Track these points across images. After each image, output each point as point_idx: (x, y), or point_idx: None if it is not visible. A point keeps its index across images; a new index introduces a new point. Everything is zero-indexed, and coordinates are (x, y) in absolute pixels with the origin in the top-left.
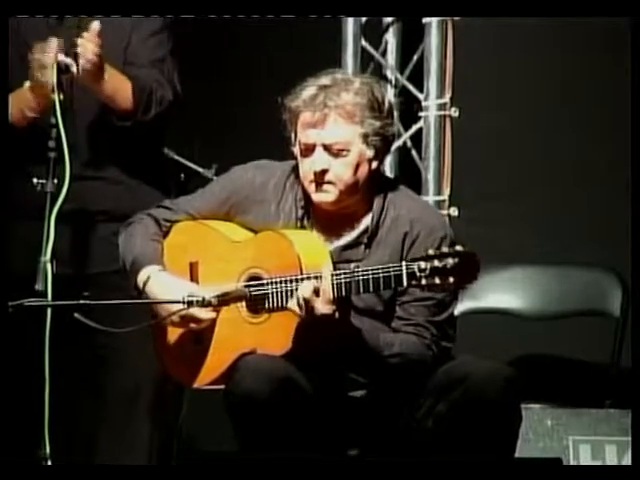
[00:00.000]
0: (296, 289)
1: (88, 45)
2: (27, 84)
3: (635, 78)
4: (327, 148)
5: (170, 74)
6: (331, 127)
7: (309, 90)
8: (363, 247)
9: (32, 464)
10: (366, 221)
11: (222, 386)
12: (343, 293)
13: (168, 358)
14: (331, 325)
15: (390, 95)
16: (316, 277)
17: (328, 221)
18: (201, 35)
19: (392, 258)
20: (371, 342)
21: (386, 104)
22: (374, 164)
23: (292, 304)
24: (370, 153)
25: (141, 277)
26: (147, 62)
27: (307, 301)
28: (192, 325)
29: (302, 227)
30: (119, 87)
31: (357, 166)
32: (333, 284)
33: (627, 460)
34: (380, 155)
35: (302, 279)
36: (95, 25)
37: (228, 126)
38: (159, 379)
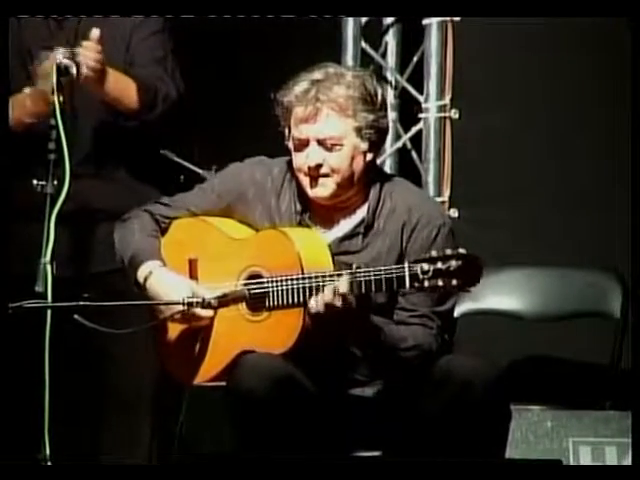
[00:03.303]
0: (296, 288)
1: (88, 53)
2: (26, 90)
3: (635, 78)
4: (321, 143)
5: (172, 72)
6: (324, 121)
7: (301, 85)
8: (361, 238)
9: (32, 464)
10: (362, 212)
11: (221, 383)
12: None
13: (168, 355)
14: (349, 321)
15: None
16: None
17: (326, 214)
18: (201, 35)
19: (391, 248)
20: (388, 337)
21: (379, 96)
22: (369, 156)
23: (312, 302)
24: (364, 146)
25: (142, 272)
26: (149, 61)
27: (328, 302)
28: (191, 321)
29: (302, 221)
30: (124, 89)
31: (352, 159)
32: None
33: (627, 462)
34: (375, 147)
35: (303, 279)
36: (95, 32)
37: (228, 127)
38: (159, 379)
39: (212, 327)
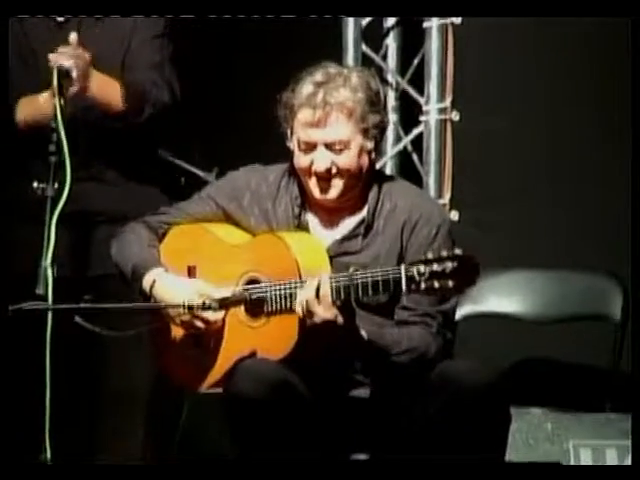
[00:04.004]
0: (294, 293)
1: (64, 57)
2: (47, 92)
3: (635, 78)
4: (329, 146)
5: (169, 76)
6: (333, 126)
7: (306, 87)
8: (360, 238)
9: (33, 465)
10: (362, 213)
11: (221, 390)
12: (342, 297)
13: (167, 362)
14: (335, 330)
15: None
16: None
17: (326, 215)
18: (201, 35)
19: (391, 248)
20: (378, 343)
21: (381, 95)
22: (373, 155)
23: (297, 307)
24: (370, 145)
25: (147, 281)
26: (146, 65)
27: (308, 305)
28: (199, 324)
29: (300, 224)
30: (109, 91)
31: (359, 159)
32: (332, 288)
33: (627, 464)
34: (377, 146)
35: (301, 283)
36: (73, 36)
37: (229, 129)
38: (159, 381)
39: (212, 333)
